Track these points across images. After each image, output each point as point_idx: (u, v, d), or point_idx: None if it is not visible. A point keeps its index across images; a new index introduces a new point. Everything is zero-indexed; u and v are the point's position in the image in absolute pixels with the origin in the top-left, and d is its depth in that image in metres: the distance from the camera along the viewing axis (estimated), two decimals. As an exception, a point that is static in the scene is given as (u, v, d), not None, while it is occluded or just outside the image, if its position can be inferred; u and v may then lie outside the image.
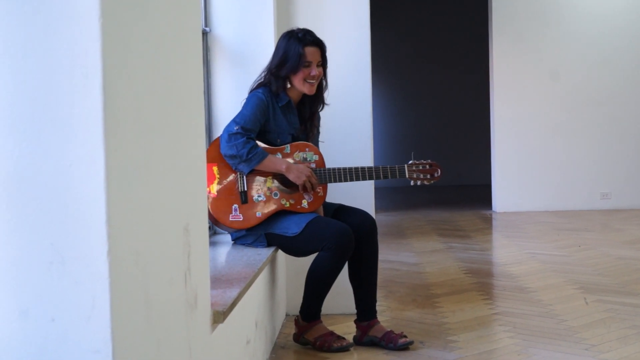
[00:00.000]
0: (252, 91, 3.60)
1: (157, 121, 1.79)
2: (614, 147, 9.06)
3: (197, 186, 2.23)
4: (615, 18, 9.02)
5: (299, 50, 3.52)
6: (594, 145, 9.06)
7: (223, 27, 4.08)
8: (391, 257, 6.08)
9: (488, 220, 8.56)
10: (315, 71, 3.55)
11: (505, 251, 6.60)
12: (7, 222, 1.49)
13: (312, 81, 3.56)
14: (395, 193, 11.60)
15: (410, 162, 3.77)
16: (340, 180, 3.62)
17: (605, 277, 5.12)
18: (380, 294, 3.83)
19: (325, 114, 3.90)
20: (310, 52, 3.54)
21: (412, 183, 3.80)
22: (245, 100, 3.58)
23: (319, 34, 3.62)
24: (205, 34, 4.02)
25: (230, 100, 3.98)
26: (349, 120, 4.27)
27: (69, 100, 1.46)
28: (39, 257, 1.48)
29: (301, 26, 3.68)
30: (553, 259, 5.90)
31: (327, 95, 3.74)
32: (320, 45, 3.58)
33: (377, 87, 12.03)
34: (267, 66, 3.62)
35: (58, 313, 1.48)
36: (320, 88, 3.66)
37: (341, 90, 4.23)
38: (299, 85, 3.57)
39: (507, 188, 9.09)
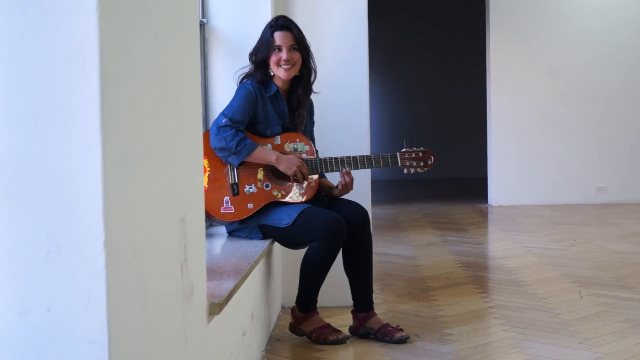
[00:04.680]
0: (240, 83, 3.59)
1: (154, 112, 1.78)
2: (610, 141, 9.07)
3: (194, 177, 2.23)
4: (613, 15, 9.02)
5: (268, 35, 3.54)
6: (590, 140, 9.08)
7: (220, 18, 4.07)
8: (387, 250, 6.08)
9: (484, 214, 8.57)
10: (286, 55, 3.53)
11: (501, 245, 6.61)
12: (3, 212, 1.48)
13: (285, 66, 3.54)
14: (392, 186, 11.60)
15: (403, 149, 3.74)
16: (332, 170, 3.60)
17: (600, 271, 5.14)
18: (376, 287, 3.83)
19: (322, 107, 3.88)
20: (280, 36, 3.54)
21: (405, 171, 3.75)
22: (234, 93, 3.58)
23: (317, 26, 3.61)
24: (202, 25, 4.01)
25: (227, 92, 3.97)
26: (346, 113, 4.26)
27: (66, 90, 1.46)
28: (35, 247, 1.48)
29: (298, 18, 3.67)
30: (548, 252, 5.91)
31: (323, 88, 3.71)
32: (290, 29, 3.56)
33: (374, 80, 12.02)
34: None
35: (54, 303, 1.48)
36: (306, 75, 3.61)
37: (338, 84, 4.22)
38: (275, 70, 3.56)
39: (504, 182, 9.10)
